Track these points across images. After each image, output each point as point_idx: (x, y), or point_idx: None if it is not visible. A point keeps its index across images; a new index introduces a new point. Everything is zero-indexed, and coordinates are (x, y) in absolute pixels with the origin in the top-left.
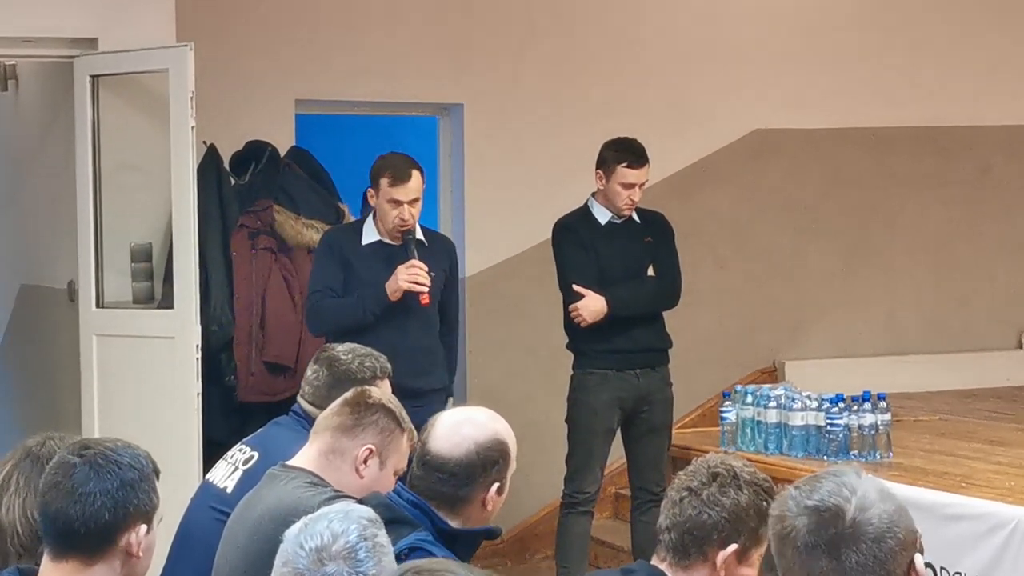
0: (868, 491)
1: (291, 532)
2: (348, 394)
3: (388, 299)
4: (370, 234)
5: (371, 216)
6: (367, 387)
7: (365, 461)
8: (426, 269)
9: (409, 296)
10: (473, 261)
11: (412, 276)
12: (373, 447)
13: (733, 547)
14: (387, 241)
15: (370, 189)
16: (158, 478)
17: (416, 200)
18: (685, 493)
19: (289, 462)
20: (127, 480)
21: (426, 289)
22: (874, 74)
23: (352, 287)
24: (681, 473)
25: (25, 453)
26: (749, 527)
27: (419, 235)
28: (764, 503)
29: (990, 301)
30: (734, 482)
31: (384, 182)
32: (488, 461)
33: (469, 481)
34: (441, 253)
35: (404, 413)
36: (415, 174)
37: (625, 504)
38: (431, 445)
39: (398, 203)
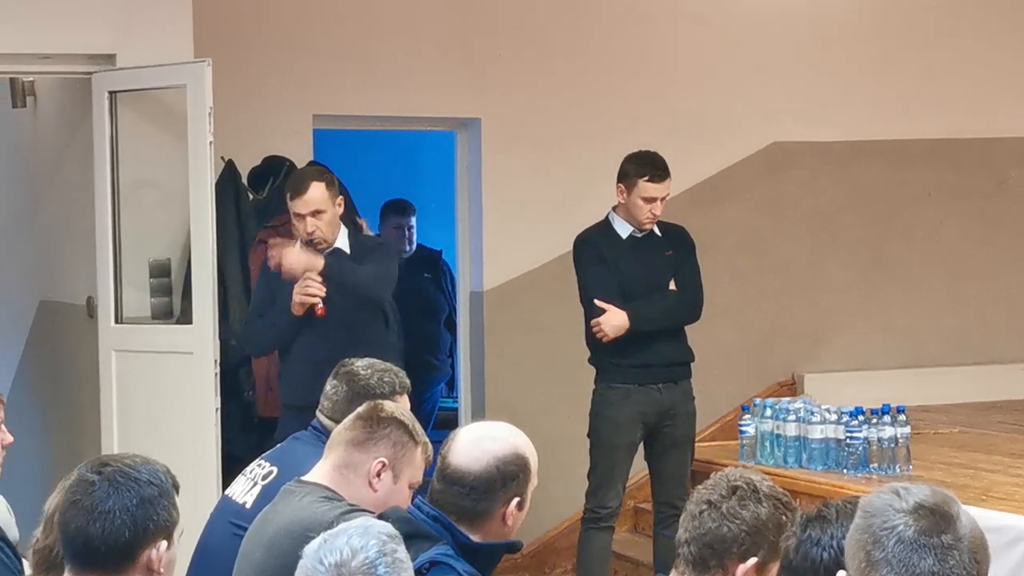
0: (965, 511)
1: (310, 548)
2: (361, 408)
3: (292, 315)
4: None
5: None
6: (380, 401)
7: (378, 474)
8: (319, 281)
9: (329, 309)
10: (491, 275)
11: (304, 288)
12: (386, 460)
13: (753, 560)
14: None
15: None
16: (178, 493)
17: (319, 212)
18: (705, 506)
19: (304, 477)
20: (146, 497)
21: (318, 300)
22: (891, 87)
23: (279, 307)
24: (700, 487)
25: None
26: (769, 540)
27: (338, 244)
28: (783, 517)
29: (1009, 313)
30: (754, 495)
31: (288, 197)
32: (508, 475)
33: (488, 495)
34: (362, 259)
35: (418, 426)
36: (313, 185)
37: (645, 518)
38: (451, 459)
39: (300, 216)
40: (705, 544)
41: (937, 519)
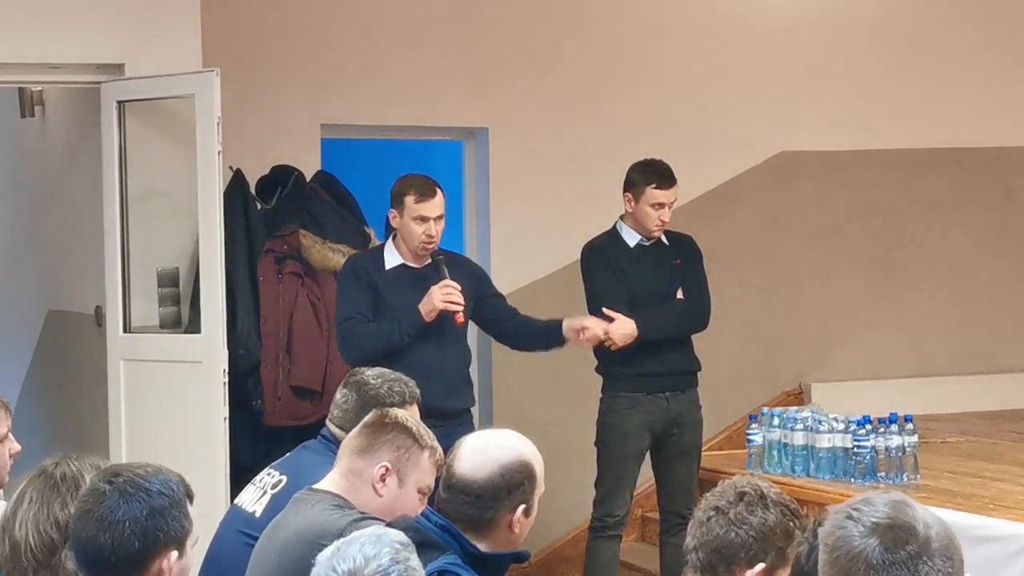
0: (923, 509)
1: (323, 555)
2: (368, 416)
3: (423, 320)
4: (393, 258)
5: (391, 240)
6: (388, 408)
7: (382, 479)
8: (459, 288)
9: (444, 317)
10: (499, 284)
11: (447, 295)
12: (389, 465)
13: (761, 566)
14: (411, 264)
15: (392, 210)
16: (192, 502)
17: (441, 217)
18: (712, 513)
19: (315, 485)
20: (156, 507)
21: (461, 308)
22: (898, 96)
23: (380, 312)
24: (708, 494)
25: (40, 472)
26: (776, 546)
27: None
28: (791, 523)
29: (1016, 322)
30: (761, 501)
31: (410, 199)
32: (512, 483)
33: (494, 503)
34: (464, 274)
35: (424, 430)
36: (439, 191)
37: (652, 527)
38: (456, 468)
39: (425, 219)
40: (713, 550)
41: (896, 532)
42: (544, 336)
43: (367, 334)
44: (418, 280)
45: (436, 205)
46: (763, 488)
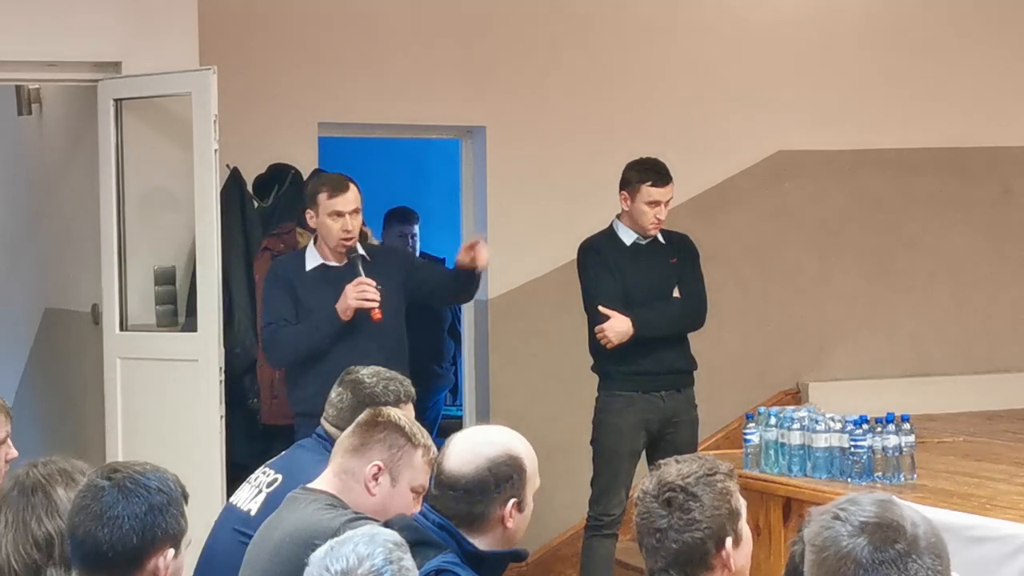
0: (909, 507)
1: (317, 555)
2: (361, 415)
3: (340, 320)
4: (313, 259)
5: (312, 241)
6: (381, 407)
7: (375, 478)
8: (374, 285)
9: (365, 316)
10: (496, 283)
11: (360, 293)
12: (381, 464)
13: (729, 540)
14: (330, 264)
15: (308, 211)
16: (187, 502)
17: (356, 211)
18: (658, 535)
19: (309, 484)
20: (155, 504)
21: (376, 305)
22: (896, 96)
23: (302, 315)
24: (636, 516)
25: (13, 484)
26: (726, 513)
27: (361, 251)
28: (719, 484)
29: (1014, 322)
30: (687, 496)
31: (323, 197)
32: (500, 476)
33: (483, 498)
34: (387, 264)
35: (418, 429)
36: (352, 186)
37: None
38: (445, 464)
39: (340, 215)
40: (684, 562)
41: (885, 531)
42: (456, 279)
43: (287, 338)
44: (337, 279)
45: (349, 200)
46: (677, 483)
